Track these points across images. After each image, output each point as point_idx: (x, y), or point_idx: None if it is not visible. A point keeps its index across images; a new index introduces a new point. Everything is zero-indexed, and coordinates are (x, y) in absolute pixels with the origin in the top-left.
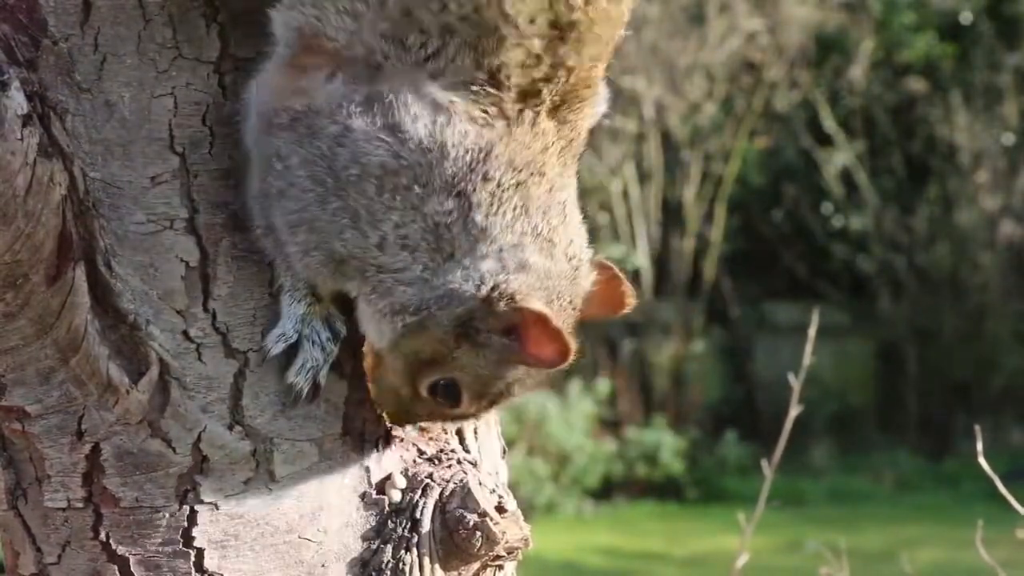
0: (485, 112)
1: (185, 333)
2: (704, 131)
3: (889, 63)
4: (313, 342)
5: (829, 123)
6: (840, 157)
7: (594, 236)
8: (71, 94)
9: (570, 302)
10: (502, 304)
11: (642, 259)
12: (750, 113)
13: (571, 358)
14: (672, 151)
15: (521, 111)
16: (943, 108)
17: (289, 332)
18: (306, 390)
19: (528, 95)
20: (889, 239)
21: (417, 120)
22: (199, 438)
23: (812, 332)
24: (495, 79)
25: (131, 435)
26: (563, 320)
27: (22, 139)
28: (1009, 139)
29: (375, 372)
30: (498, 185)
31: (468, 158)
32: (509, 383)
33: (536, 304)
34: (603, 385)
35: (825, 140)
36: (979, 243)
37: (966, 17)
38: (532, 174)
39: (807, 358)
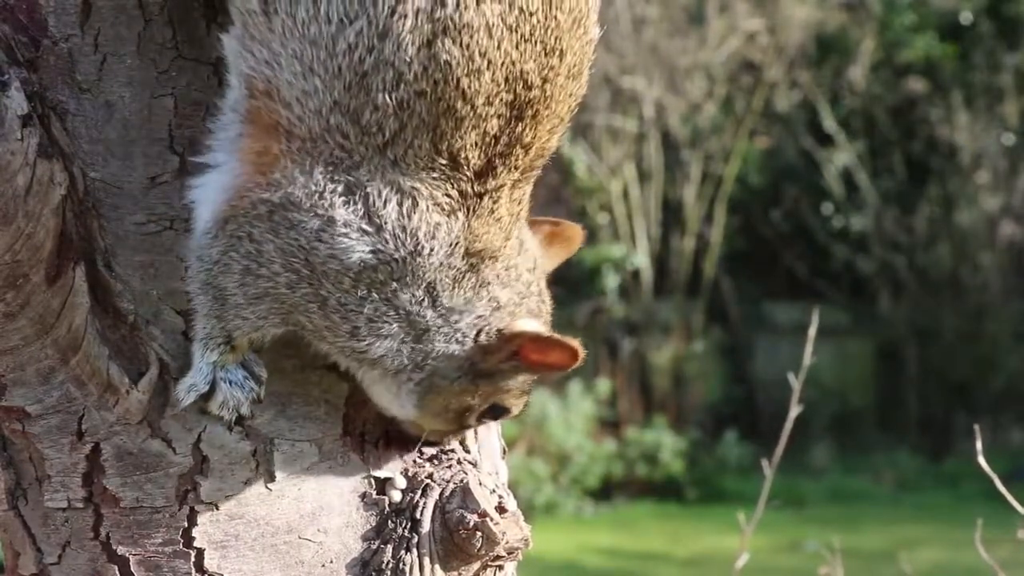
0: (448, 196)
1: (185, 333)
2: (704, 131)
3: (889, 63)
4: (231, 382)
5: (829, 123)
6: (840, 157)
7: (594, 236)
8: (71, 94)
9: (542, 302)
10: (493, 340)
11: (642, 259)
12: (750, 113)
13: (581, 356)
14: (672, 151)
15: (481, 196)
16: (943, 108)
17: (200, 383)
18: (232, 422)
19: (486, 173)
20: (889, 239)
21: (391, 212)
22: (199, 438)
23: (812, 332)
24: (455, 161)
25: (131, 435)
26: (550, 325)
27: (22, 139)
28: (1009, 139)
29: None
30: (459, 270)
31: (440, 253)
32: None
33: (524, 325)
34: (603, 385)
35: (825, 140)
36: (979, 243)
37: (966, 17)
38: (485, 259)
39: (807, 358)
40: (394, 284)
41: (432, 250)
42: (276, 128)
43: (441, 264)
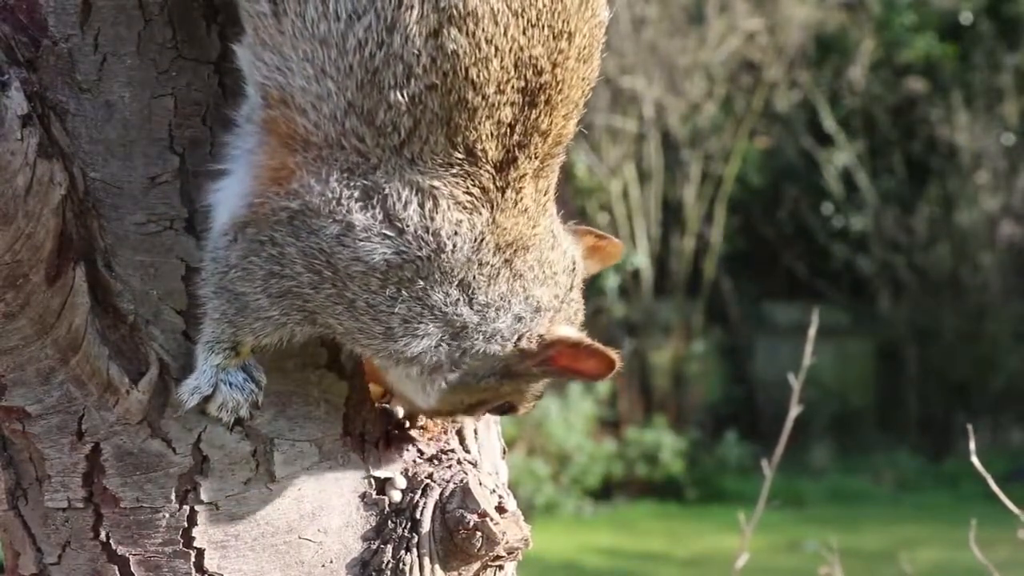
0: (469, 194)
1: (185, 333)
2: (704, 131)
3: (889, 63)
4: (231, 385)
5: (829, 123)
6: (840, 157)
7: None
8: (71, 94)
9: (578, 311)
10: (533, 345)
11: (642, 259)
12: (750, 113)
13: (617, 366)
14: (672, 151)
15: (503, 190)
16: (943, 108)
17: (203, 386)
18: (231, 424)
19: (506, 164)
20: (889, 239)
21: (412, 214)
22: (199, 438)
23: (812, 332)
24: (472, 155)
25: (131, 435)
26: (586, 332)
27: (22, 139)
28: (1009, 139)
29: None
30: (492, 266)
31: (464, 249)
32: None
33: (564, 332)
34: (603, 385)
35: (825, 140)
36: (979, 243)
37: (966, 17)
38: (517, 250)
39: (807, 358)
40: (421, 282)
41: (455, 246)
42: (293, 138)
43: (469, 260)
